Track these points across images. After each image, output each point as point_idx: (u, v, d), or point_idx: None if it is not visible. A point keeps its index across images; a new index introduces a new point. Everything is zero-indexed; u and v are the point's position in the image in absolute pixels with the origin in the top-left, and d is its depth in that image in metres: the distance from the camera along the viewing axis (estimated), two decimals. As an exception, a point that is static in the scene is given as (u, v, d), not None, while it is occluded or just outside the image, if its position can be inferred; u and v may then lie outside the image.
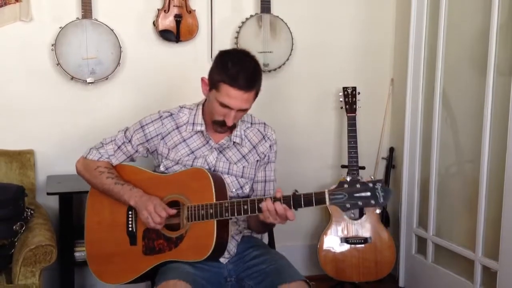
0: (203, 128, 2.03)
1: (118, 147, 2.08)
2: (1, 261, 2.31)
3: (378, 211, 1.74)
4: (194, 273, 1.87)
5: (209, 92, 1.97)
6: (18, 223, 2.35)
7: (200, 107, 2.06)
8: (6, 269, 2.30)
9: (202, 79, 2.00)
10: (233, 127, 2.00)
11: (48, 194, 2.57)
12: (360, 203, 1.70)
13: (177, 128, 2.05)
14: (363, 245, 2.96)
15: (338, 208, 1.73)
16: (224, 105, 1.91)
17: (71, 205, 2.59)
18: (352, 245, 2.96)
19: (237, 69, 1.88)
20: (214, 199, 1.87)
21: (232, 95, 1.88)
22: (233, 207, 1.84)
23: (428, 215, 2.96)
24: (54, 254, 2.23)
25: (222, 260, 1.99)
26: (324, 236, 2.97)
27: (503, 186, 2.40)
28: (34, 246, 2.19)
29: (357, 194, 1.70)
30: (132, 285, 2.05)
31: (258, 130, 2.12)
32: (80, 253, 2.65)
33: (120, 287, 2.17)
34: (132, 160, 2.12)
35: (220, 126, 1.97)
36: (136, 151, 2.09)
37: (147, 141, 2.06)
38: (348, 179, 1.73)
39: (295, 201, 1.78)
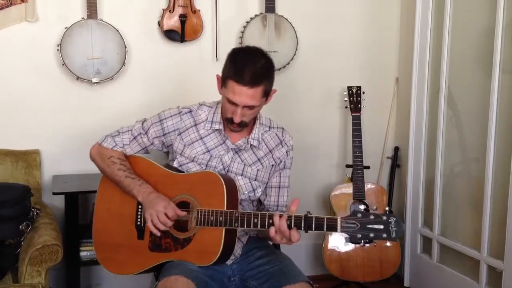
0: (221, 126, 2.02)
1: (134, 138, 2.07)
2: (7, 260, 2.32)
3: (388, 244, 1.73)
4: (197, 270, 1.87)
5: (221, 89, 1.97)
6: (24, 223, 2.36)
7: (220, 105, 2.04)
8: (13, 269, 2.30)
9: (217, 77, 1.99)
10: (244, 125, 1.97)
11: (54, 193, 2.58)
12: (371, 235, 1.68)
13: (195, 125, 2.04)
14: (368, 245, 2.96)
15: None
16: (231, 102, 1.90)
17: (77, 205, 2.59)
18: (357, 245, 2.96)
19: (243, 65, 1.86)
20: (225, 207, 1.86)
21: (236, 91, 1.87)
22: (243, 218, 1.82)
23: (433, 215, 2.95)
24: (60, 254, 2.24)
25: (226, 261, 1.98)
26: (329, 236, 2.96)
27: (508, 186, 2.39)
28: (40, 245, 2.20)
29: (370, 226, 1.68)
30: (137, 276, 2.06)
31: (276, 135, 2.11)
32: (85, 253, 2.66)
33: (124, 283, 2.16)
34: (147, 152, 2.11)
35: (230, 123, 1.97)
36: (152, 143, 2.07)
37: (163, 135, 2.05)
38: (362, 207, 1.72)
39: (306, 223, 1.75)
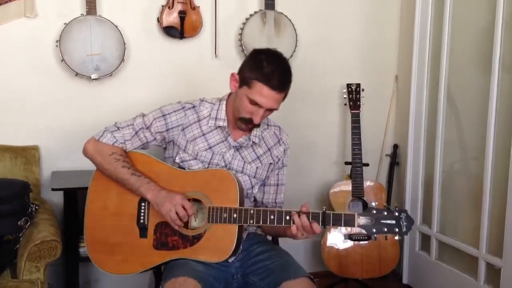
0: (225, 123, 2.01)
1: (136, 133, 2.02)
2: (6, 256, 2.32)
3: (397, 237, 1.85)
4: (202, 271, 1.87)
5: (238, 89, 1.95)
6: (23, 219, 2.36)
7: (224, 102, 2.04)
8: (11, 265, 2.30)
9: (232, 75, 1.98)
10: (257, 126, 1.99)
11: (53, 189, 2.57)
12: (385, 229, 1.79)
13: (198, 121, 2.03)
14: (366, 242, 2.96)
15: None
16: (254, 103, 1.90)
17: (76, 201, 2.59)
18: (356, 242, 2.96)
19: (272, 69, 1.88)
20: (238, 204, 1.88)
21: (264, 94, 1.88)
22: (259, 215, 1.85)
23: (432, 212, 2.96)
24: (58, 249, 2.24)
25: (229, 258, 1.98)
26: (328, 233, 2.97)
27: (507, 183, 2.40)
28: (39, 241, 2.20)
29: (383, 221, 1.79)
30: (134, 276, 2.04)
31: (274, 133, 2.13)
32: (84, 249, 2.63)
33: (122, 279, 2.15)
34: (145, 148, 2.08)
35: (245, 123, 1.96)
36: (154, 138, 2.05)
37: (166, 130, 2.02)
38: (374, 204, 1.77)
39: (324, 218, 1.81)
